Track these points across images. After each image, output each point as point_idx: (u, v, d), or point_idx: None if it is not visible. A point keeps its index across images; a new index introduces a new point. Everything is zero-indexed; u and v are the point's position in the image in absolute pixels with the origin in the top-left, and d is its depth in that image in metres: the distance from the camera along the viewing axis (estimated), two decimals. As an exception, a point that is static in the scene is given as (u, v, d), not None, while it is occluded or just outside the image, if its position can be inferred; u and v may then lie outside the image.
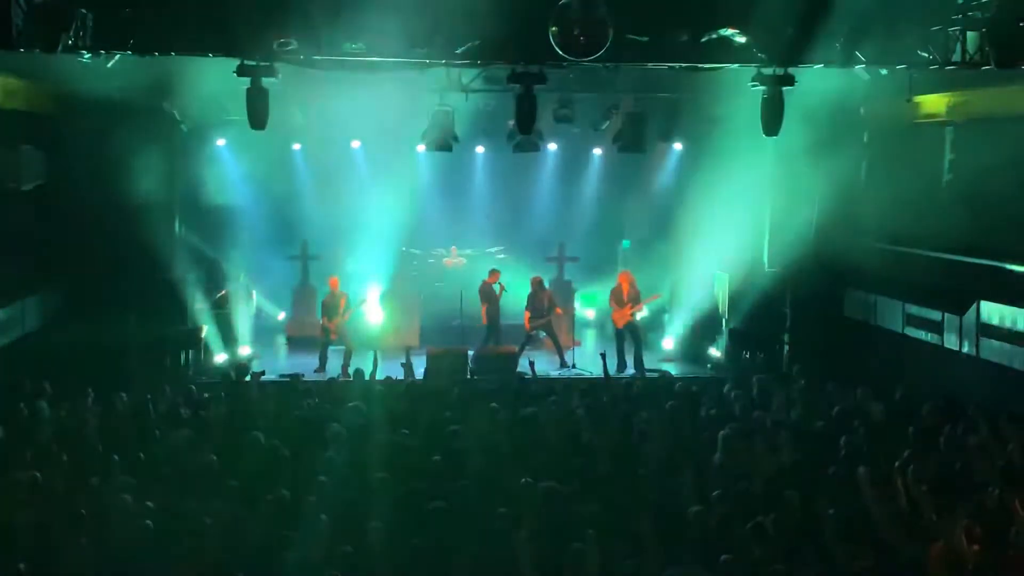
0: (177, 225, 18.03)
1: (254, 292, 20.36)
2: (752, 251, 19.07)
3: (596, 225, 22.74)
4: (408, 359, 14.94)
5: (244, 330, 19.28)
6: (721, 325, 19.08)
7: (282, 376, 15.04)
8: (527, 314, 18.95)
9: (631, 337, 18.57)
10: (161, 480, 10.08)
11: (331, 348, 18.49)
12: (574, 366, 18.26)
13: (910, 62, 12.61)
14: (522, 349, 18.34)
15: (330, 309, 18.46)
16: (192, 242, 18.91)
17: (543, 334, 19.07)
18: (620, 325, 18.82)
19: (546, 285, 19.67)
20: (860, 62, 13.04)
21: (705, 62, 13.48)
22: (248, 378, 14.38)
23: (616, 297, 18.83)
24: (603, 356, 14.89)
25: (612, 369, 16.17)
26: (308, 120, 18.39)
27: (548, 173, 22.51)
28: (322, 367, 18.36)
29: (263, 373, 14.62)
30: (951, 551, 8.12)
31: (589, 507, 9.15)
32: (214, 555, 8.48)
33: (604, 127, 19.06)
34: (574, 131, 20.14)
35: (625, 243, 21.56)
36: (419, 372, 15.00)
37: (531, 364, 15.47)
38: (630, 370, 17.94)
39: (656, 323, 20.60)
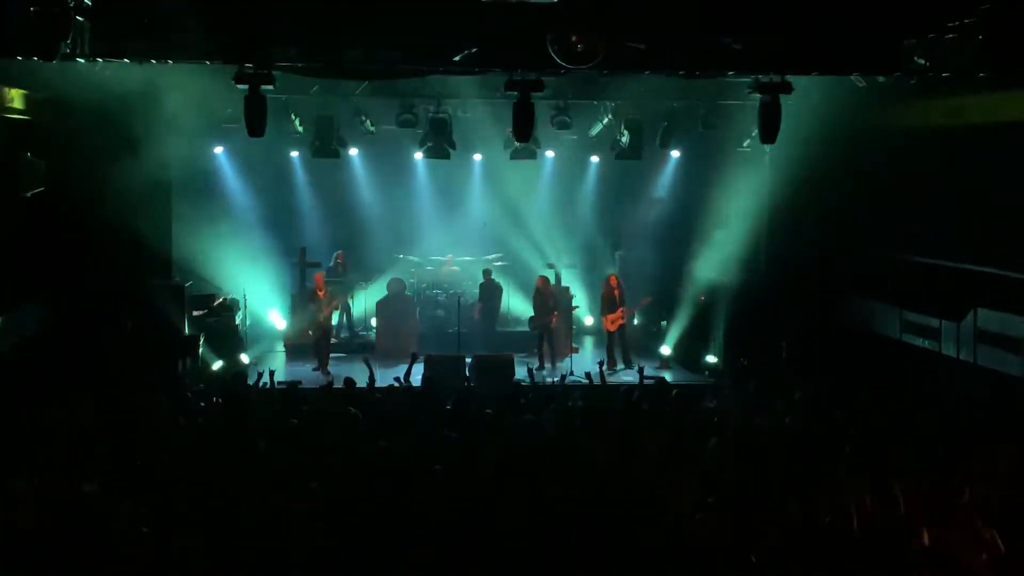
0: (175, 232, 18.03)
1: (247, 299, 20.41)
2: (750, 257, 19.10)
3: (593, 232, 22.74)
4: (410, 366, 14.97)
5: (241, 338, 19.31)
6: (718, 331, 19.09)
7: (279, 383, 15.03)
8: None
9: (620, 340, 18.80)
10: (158, 487, 10.06)
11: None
12: (571, 373, 18.28)
13: (907, 69, 12.64)
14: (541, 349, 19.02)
15: (319, 303, 18.76)
16: (190, 249, 18.92)
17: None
18: (612, 329, 19.00)
19: (552, 282, 19.92)
20: (857, 69, 13.09)
21: (703, 70, 13.52)
22: (246, 385, 14.38)
23: (608, 301, 18.98)
24: (601, 364, 15.14)
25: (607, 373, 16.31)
26: (306, 128, 18.46)
27: (545, 180, 22.52)
28: (323, 368, 18.50)
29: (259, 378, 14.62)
30: (945, 556, 8.13)
31: (585, 513, 9.14)
32: (210, 562, 8.47)
33: (596, 132, 19.13)
34: (571, 138, 20.19)
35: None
36: (417, 379, 15.00)
37: (530, 371, 15.49)
38: (627, 374, 18.02)
39: (653, 329, 20.62)
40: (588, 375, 15.01)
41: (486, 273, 20.97)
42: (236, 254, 20.37)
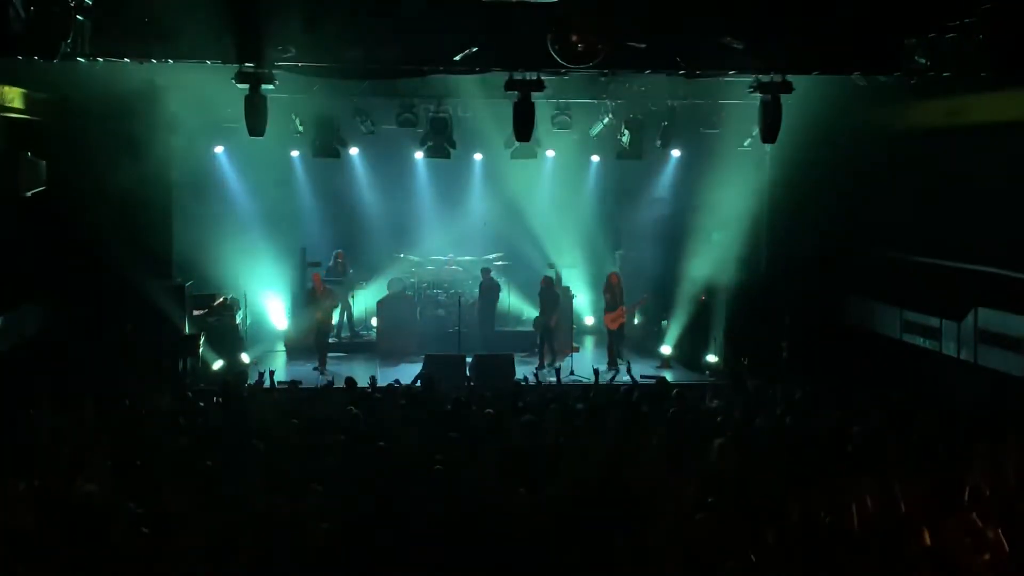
0: (175, 232, 18.02)
1: (247, 298, 20.41)
2: (751, 257, 19.09)
3: (594, 231, 22.73)
4: (422, 372, 15.00)
5: (242, 337, 19.30)
6: (719, 331, 19.08)
7: (280, 383, 15.04)
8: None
9: (619, 338, 18.92)
10: (158, 487, 10.05)
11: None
12: (572, 372, 18.27)
13: (907, 69, 12.64)
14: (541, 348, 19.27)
15: (316, 303, 18.88)
16: (190, 249, 18.91)
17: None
18: (614, 327, 19.07)
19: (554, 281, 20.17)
20: (858, 69, 13.08)
21: (703, 69, 13.51)
22: (246, 385, 14.41)
23: (609, 300, 19.09)
24: (596, 372, 15.30)
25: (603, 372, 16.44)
26: (306, 127, 18.46)
27: (546, 180, 22.51)
28: (322, 367, 18.49)
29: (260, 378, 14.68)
30: (947, 558, 8.12)
31: (585, 514, 9.13)
32: (210, 562, 8.47)
33: (597, 131, 19.13)
34: (572, 138, 20.19)
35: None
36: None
37: (528, 377, 15.58)
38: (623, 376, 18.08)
39: (654, 329, 20.60)
40: (596, 371, 15.14)
41: (485, 272, 21.01)
42: (237, 253, 20.39)
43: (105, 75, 14.26)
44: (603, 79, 16.58)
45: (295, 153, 21.21)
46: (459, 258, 22.32)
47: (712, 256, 19.34)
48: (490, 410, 12.58)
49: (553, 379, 15.75)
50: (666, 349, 19.80)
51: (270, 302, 21.27)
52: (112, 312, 16.43)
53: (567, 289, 21.04)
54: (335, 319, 20.38)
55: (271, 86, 13.14)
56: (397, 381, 14.38)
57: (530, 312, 21.07)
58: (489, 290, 20.89)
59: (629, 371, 15.24)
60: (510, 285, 21.83)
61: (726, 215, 19.09)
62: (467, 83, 16.61)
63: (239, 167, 20.81)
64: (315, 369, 18.49)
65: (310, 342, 19.33)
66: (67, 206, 15.75)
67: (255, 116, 13.33)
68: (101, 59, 12.35)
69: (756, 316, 18.42)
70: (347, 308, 21.24)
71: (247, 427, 12.05)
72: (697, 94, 17.74)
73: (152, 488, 9.99)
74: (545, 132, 18.48)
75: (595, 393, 14.24)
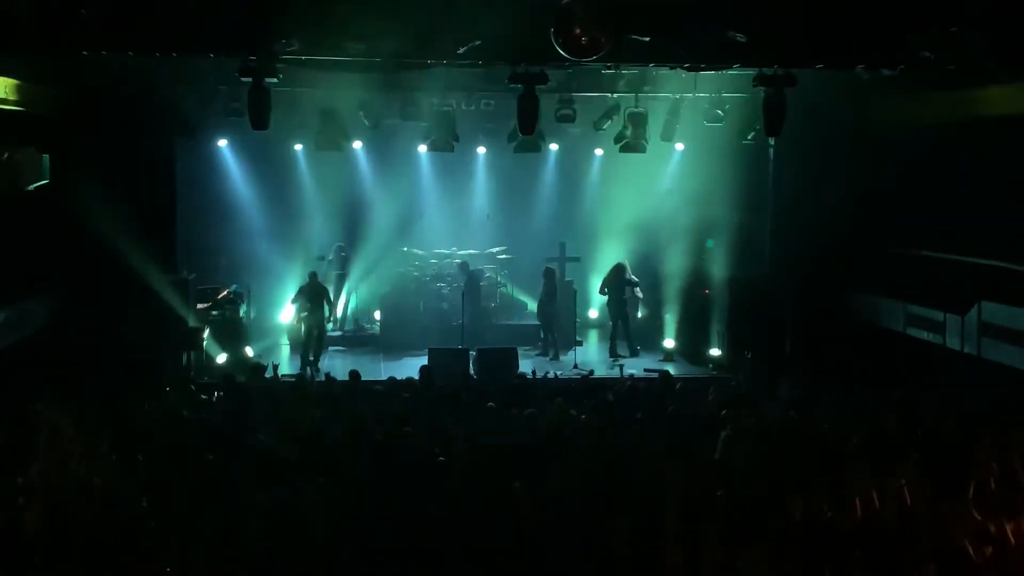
0: (178, 226, 18.01)
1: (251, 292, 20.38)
2: (754, 251, 19.06)
3: (597, 225, 22.71)
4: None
5: (246, 331, 19.28)
6: (722, 325, 19.06)
7: (284, 376, 15.06)
8: None
9: (624, 332, 19.26)
10: (162, 481, 10.06)
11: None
12: (575, 366, 18.27)
13: (911, 63, 12.62)
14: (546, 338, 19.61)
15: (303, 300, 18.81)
16: (193, 243, 18.91)
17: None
18: (617, 320, 19.24)
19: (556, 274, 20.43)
20: (861, 63, 13.06)
21: (707, 63, 13.50)
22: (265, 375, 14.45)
23: (614, 292, 19.23)
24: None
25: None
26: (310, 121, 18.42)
27: (549, 173, 22.50)
28: (312, 364, 18.34)
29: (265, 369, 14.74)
30: (953, 552, 8.12)
31: (588, 511, 9.14)
32: (214, 557, 8.48)
33: (605, 127, 19.11)
34: (575, 131, 20.15)
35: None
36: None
37: (533, 373, 15.61)
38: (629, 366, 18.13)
39: (657, 323, 20.59)
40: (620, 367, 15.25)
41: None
42: (241, 247, 20.36)
43: (108, 68, 14.26)
44: (606, 72, 16.56)
45: (298, 146, 21.16)
46: (462, 251, 22.27)
47: (716, 249, 19.35)
48: (492, 404, 12.60)
49: (557, 373, 15.76)
50: (669, 343, 19.79)
51: (274, 296, 21.23)
52: (115, 306, 16.41)
53: (570, 283, 21.02)
54: (338, 314, 20.35)
55: (275, 79, 13.14)
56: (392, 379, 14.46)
57: (533, 305, 21.07)
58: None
59: (632, 377, 15.27)
60: (512, 279, 21.83)
61: (730, 208, 19.05)
62: (471, 76, 16.58)
63: (242, 160, 20.78)
64: (308, 367, 18.15)
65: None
66: (69, 200, 15.74)
67: (259, 109, 13.34)
68: (105, 52, 12.34)
69: (759, 310, 18.39)
70: (349, 302, 21.23)
71: (249, 421, 12.07)
72: (700, 87, 17.72)
73: (154, 482, 10.01)
74: (548, 125, 18.43)
75: (598, 387, 14.24)
